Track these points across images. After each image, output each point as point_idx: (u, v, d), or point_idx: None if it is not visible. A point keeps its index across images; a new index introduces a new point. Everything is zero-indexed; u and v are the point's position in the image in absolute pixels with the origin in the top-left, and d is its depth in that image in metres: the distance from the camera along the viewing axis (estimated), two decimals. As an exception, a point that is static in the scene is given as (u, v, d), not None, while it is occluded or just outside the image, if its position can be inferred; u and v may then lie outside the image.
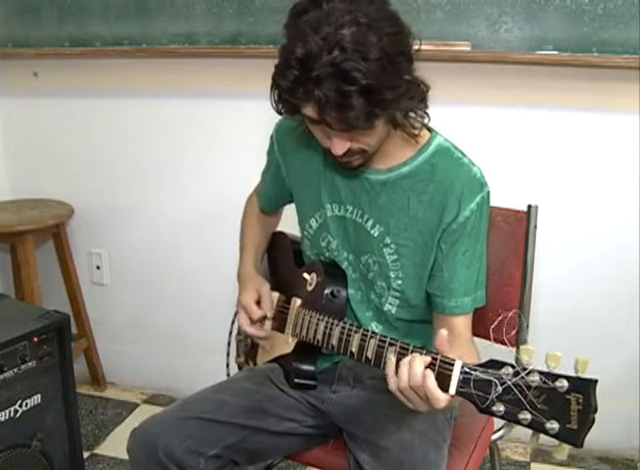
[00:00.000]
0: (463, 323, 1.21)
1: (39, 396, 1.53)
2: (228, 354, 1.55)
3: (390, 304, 1.26)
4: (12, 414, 1.47)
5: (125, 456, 1.24)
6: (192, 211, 2.20)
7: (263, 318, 1.35)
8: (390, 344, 1.06)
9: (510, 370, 0.87)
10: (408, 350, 1.02)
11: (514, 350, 1.43)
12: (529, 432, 0.88)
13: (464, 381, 0.91)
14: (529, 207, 1.38)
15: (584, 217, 1.87)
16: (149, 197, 2.24)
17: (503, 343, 1.38)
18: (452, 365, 0.93)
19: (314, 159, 1.28)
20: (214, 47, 1.93)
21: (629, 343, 1.90)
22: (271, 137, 1.36)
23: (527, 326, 1.40)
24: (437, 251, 1.19)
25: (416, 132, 1.16)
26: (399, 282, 1.23)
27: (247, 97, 2.02)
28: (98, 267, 2.37)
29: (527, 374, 0.85)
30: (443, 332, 0.98)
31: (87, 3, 2.01)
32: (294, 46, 0.98)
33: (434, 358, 0.96)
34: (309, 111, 1.03)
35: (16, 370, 1.47)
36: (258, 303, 1.35)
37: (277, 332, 1.36)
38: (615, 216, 1.85)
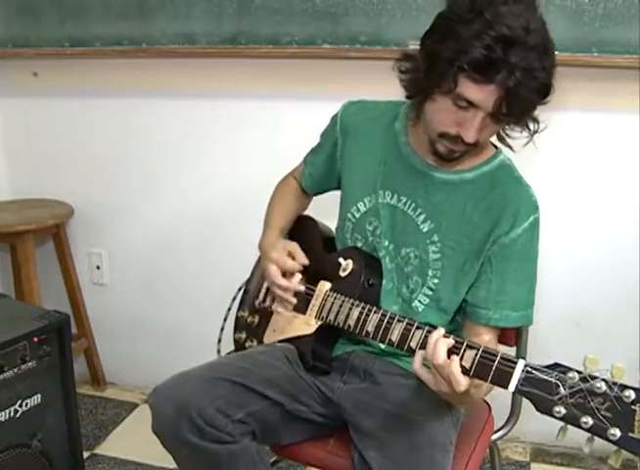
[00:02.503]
0: (493, 339, 1.23)
1: (39, 396, 1.53)
2: (222, 329, 1.53)
3: (420, 301, 1.28)
4: (12, 414, 1.47)
5: (125, 456, 1.24)
6: (191, 211, 2.20)
7: (291, 274, 1.35)
8: (444, 336, 1.03)
9: (576, 375, 0.89)
10: (463, 343, 1.01)
11: (513, 349, 1.43)
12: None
13: (525, 379, 0.93)
14: (530, 207, 1.38)
15: (584, 217, 1.87)
16: (149, 197, 2.24)
17: (502, 342, 1.39)
18: (515, 364, 0.95)
19: (375, 145, 1.31)
20: (214, 47, 1.93)
21: (629, 343, 1.90)
22: (335, 116, 1.39)
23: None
24: (485, 262, 1.21)
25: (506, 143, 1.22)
26: (436, 281, 1.25)
27: (246, 97, 2.02)
28: (98, 267, 2.37)
29: (593, 381, 0.87)
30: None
31: (87, 3, 2.01)
32: (497, 24, 0.99)
33: (494, 355, 0.97)
34: (483, 91, 1.03)
35: (16, 370, 1.47)
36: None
37: (298, 313, 1.35)
38: (615, 216, 1.85)
